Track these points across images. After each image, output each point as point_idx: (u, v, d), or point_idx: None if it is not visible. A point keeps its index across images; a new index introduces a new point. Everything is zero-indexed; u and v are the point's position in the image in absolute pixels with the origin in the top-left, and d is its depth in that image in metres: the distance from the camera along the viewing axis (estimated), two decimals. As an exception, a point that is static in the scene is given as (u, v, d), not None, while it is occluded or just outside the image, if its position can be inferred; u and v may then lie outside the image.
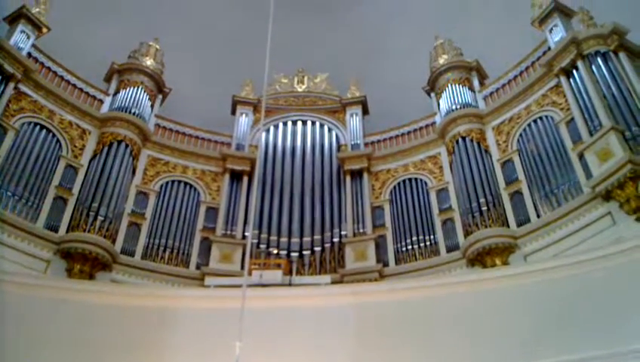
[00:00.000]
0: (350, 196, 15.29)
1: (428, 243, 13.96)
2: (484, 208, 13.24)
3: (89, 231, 12.78)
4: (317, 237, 14.69)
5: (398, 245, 14.24)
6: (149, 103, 16.01)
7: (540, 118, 13.83)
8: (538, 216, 12.67)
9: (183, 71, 18.00)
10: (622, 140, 11.46)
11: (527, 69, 14.83)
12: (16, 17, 14.09)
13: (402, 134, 16.46)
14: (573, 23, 14.22)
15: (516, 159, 13.87)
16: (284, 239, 14.65)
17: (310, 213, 15.22)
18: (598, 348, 7.64)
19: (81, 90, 15.15)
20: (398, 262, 14.01)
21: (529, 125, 14.00)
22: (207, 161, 15.94)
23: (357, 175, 15.73)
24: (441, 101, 16.01)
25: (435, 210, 14.40)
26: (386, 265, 13.96)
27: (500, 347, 8.21)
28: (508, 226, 13.01)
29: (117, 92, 15.67)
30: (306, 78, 18.60)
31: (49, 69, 14.63)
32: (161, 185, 15.07)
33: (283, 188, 15.86)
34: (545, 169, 13.02)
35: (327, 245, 14.56)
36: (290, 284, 11.49)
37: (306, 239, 14.64)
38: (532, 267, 9.92)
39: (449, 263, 13.38)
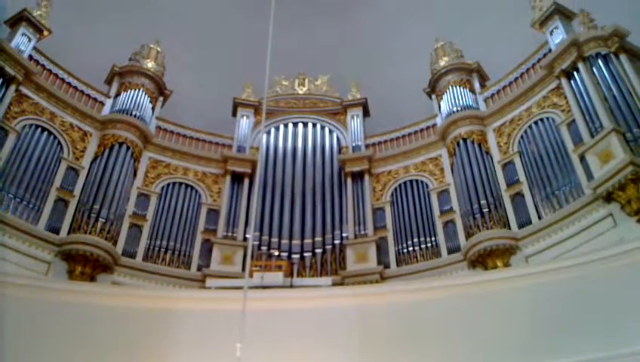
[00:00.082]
0: (351, 198, 15.30)
1: (429, 244, 13.96)
2: (485, 210, 13.24)
3: (90, 233, 12.80)
4: (318, 239, 14.70)
5: (399, 247, 14.24)
6: (150, 105, 16.03)
7: (541, 119, 13.83)
8: (539, 218, 12.67)
9: (184, 73, 18.04)
10: (623, 142, 11.46)
11: (527, 70, 14.84)
12: (17, 20, 14.12)
13: (403, 136, 16.47)
14: (573, 25, 14.23)
15: (517, 161, 13.87)
16: (285, 241, 14.66)
17: (311, 215, 15.23)
18: (600, 350, 7.62)
19: (82, 92, 15.18)
20: (399, 263, 14.01)
21: (530, 127, 14.00)
22: (208, 162, 15.96)
23: (358, 177, 15.74)
24: (441, 103, 16.02)
25: (436, 212, 14.40)
26: (387, 266, 13.96)
27: (502, 349, 8.19)
28: (509, 228, 13.01)
29: (118, 94, 15.70)
30: (306, 80, 18.62)
31: (50, 71, 14.67)
32: (162, 187, 15.09)
33: (284, 190, 15.86)
34: (546, 170, 13.02)
35: (328, 247, 14.56)
36: (291, 286, 11.49)
37: (307, 241, 14.65)
38: (533, 269, 9.92)
39: (450, 265, 13.37)
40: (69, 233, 12.85)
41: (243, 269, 13.44)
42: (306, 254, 14.42)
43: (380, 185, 15.66)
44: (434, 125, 16.09)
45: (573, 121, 12.90)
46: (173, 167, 15.57)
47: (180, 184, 15.37)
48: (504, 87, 15.25)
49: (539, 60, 14.50)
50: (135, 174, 14.77)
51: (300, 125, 17.53)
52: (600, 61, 12.97)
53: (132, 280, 13.20)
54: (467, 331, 8.59)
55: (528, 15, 14.97)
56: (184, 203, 15.02)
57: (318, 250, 14.51)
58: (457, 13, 18.63)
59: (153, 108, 16.18)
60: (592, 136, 12.10)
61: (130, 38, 16.92)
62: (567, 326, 8.11)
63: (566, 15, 14.31)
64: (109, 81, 16.17)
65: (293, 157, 16.69)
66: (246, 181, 15.65)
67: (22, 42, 13.86)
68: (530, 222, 12.78)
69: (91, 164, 14.22)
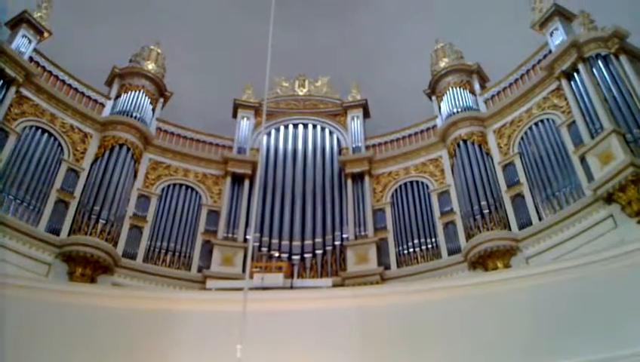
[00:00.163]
0: (351, 199, 15.31)
1: (429, 246, 13.96)
2: (486, 211, 13.24)
3: (91, 235, 12.80)
4: (318, 240, 14.70)
5: (400, 248, 14.24)
6: (151, 107, 16.05)
7: (541, 120, 13.84)
8: (540, 219, 12.66)
9: (184, 74, 18.05)
10: (623, 143, 11.47)
11: (527, 72, 14.84)
12: (18, 22, 14.14)
13: (403, 137, 16.47)
14: (573, 26, 14.24)
15: (517, 162, 13.87)
16: (285, 242, 14.66)
17: (311, 216, 15.23)
18: (600, 352, 7.62)
19: (82, 93, 15.19)
20: (399, 265, 14.00)
21: (530, 128, 14.01)
22: (209, 164, 15.97)
23: (358, 178, 15.74)
24: (442, 104, 16.03)
25: (437, 213, 14.40)
26: (387, 268, 13.96)
27: (502, 350, 8.19)
28: (509, 229, 13.01)
29: (118, 96, 15.72)
30: (307, 82, 18.64)
31: (50, 73, 14.68)
32: (163, 189, 15.09)
33: (284, 191, 15.87)
34: (546, 172, 13.02)
35: (329, 248, 14.56)
36: (291, 287, 11.48)
37: (308, 242, 14.65)
38: (533, 270, 9.91)
39: (450, 266, 13.37)
40: (69, 234, 12.85)
41: (243, 270, 13.45)
42: (306, 255, 14.43)
43: (381, 186, 15.66)
44: (434, 126, 16.10)
45: (574, 122, 12.90)
46: (174, 168, 15.58)
47: (181, 185, 15.38)
48: (504, 89, 15.26)
49: (539, 61, 14.51)
50: (135, 175, 14.77)
51: (301, 126, 17.54)
52: (600, 62, 12.97)
53: (132, 281, 13.20)
54: (468, 332, 8.58)
55: (528, 16, 14.99)
56: (184, 204, 15.02)
57: (319, 251, 14.51)
58: (457, 14, 18.66)
59: (153, 110, 16.19)
60: (593, 138, 12.10)
61: (130, 40, 16.93)
62: (567, 328, 8.11)
63: (566, 16, 14.32)
64: (109, 83, 16.18)
65: (294, 158, 16.70)
66: (246, 182, 15.65)
67: (22, 44, 13.88)
68: (531, 224, 12.77)
69: (92, 165, 14.23)
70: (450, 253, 13.62)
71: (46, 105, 14.05)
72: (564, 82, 13.46)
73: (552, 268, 9.27)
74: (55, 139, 13.92)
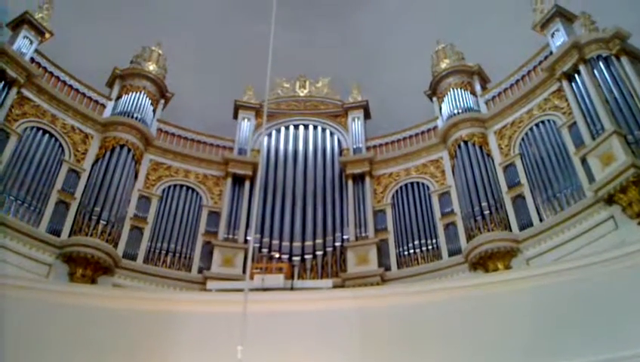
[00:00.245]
0: (352, 200, 15.30)
1: (430, 247, 13.95)
2: (487, 212, 13.23)
3: (91, 236, 12.80)
4: (319, 241, 14.70)
5: (400, 249, 14.23)
6: (152, 108, 16.05)
7: (542, 122, 13.83)
8: (540, 220, 12.65)
9: (185, 75, 18.06)
10: (624, 144, 11.45)
11: (528, 73, 14.84)
12: (19, 23, 14.15)
13: (404, 138, 16.47)
14: (574, 27, 14.23)
15: (518, 163, 13.86)
16: (286, 243, 14.66)
17: (312, 217, 15.23)
18: (601, 353, 7.61)
19: (83, 94, 15.20)
20: (400, 266, 13.99)
21: (531, 129, 14.00)
22: (210, 165, 15.97)
23: (359, 179, 15.74)
24: (442, 105, 16.02)
25: (437, 214, 14.40)
26: (388, 269, 13.95)
27: (503, 351, 8.18)
28: (510, 230, 12.99)
29: (119, 97, 15.72)
30: (307, 83, 18.65)
31: (52, 73, 14.69)
32: (164, 190, 15.10)
33: (285, 192, 15.87)
34: (547, 173, 13.01)
35: (329, 249, 14.56)
36: (291, 288, 11.47)
37: (308, 243, 14.65)
38: (534, 271, 9.91)
39: (451, 267, 13.35)
40: (70, 235, 12.85)
41: (244, 271, 13.44)
42: (306, 256, 14.43)
43: (381, 187, 15.66)
44: (435, 127, 16.09)
45: (575, 123, 12.89)
46: (174, 169, 15.58)
47: (181, 186, 15.38)
48: (505, 90, 15.25)
49: (540, 63, 14.51)
50: (136, 176, 14.78)
51: (301, 127, 17.55)
52: (601, 63, 12.96)
53: (133, 282, 13.20)
54: (468, 333, 8.58)
55: (529, 17, 14.98)
56: (185, 205, 15.02)
57: (319, 253, 14.51)
58: (458, 15, 18.67)
59: (154, 111, 16.20)
60: (594, 139, 12.09)
61: (131, 41, 16.95)
62: (568, 329, 8.10)
63: (567, 17, 14.31)
64: (110, 84, 16.20)
65: (294, 159, 16.71)
66: (247, 183, 15.65)
67: (23, 45, 13.89)
68: (532, 225, 12.76)
69: (92, 166, 14.24)
70: (451, 254, 13.60)
71: (47, 106, 14.06)
72: (565, 83, 13.46)
73: (553, 269, 9.27)
74: (56, 139, 13.93)
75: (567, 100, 13.34)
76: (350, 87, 18.01)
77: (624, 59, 12.85)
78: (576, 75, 13.25)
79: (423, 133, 16.34)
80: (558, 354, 7.87)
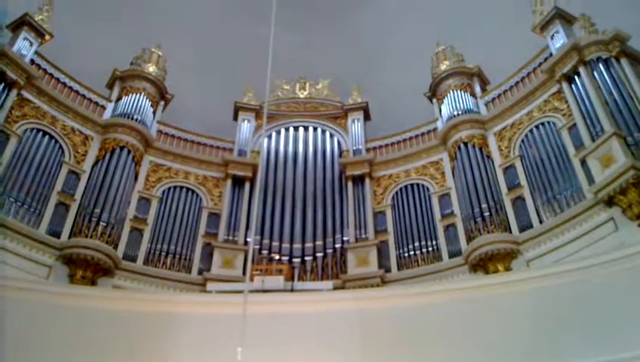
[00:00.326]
0: (352, 202, 15.30)
1: (430, 248, 13.95)
2: (487, 214, 13.23)
3: (91, 237, 12.80)
4: (319, 242, 14.70)
5: (400, 251, 14.23)
6: (151, 109, 16.06)
7: (542, 123, 13.84)
8: (540, 222, 12.65)
9: (185, 77, 18.07)
10: (624, 146, 11.46)
11: (528, 74, 14.85)
12: (19, 24, 14.16)
13: (404, 140, 16.48)
14: (574, 29, 14.24)
15: (518, 165, 13.87)
16: (285, 245, 14.66)
17: (312, 219, 15.23)
18: (601, 354, 7.60)
19: (83, 96, 15.21)
20: (400, 267, 14.00)
21: (531, 131, 14.01)
22: (209, 166, 15.98)
23: (359, 180, 15.74)
24: (442, 107, 16.03)
25: (437, 216, 14.40)
26: (388, 270, 13.95)
27: (503, 353, 8.17)
28: (510, 232, 12.99)
29: (119, 98, 15.73)
30: (307, 84, 18.67)
31: (52, 75, 14.70)
32: (163, 191, 15.10)
33: (285, 194, 15.88)
34: (547, 174, 13.01)
35: (329, 251, 14.56)
36: (292, 290, 11.45)
37: (308, 245, 14.65)
38: (534, 273, 9.89)
39: (451, 269, 13.36)
40: (69, 237, 12.85)
41: (244, 273, 13.44)
42: (306, 258, 14.43)
43: (381, 188, 15.66)
44: (435, 129, 16.10)
45: (574, 125, 12.90)
46: (174, 170, 15.58)
47: (181, 188, 15.38)
48: (505, 91, 15.26)
49: (540, 64, 14.52)
50: (136, 178, 14.78)
51: (301, 129, 17.55)
52: (601, 65, 12.97)
53: (133, 284, 13.20)
54: (468, 335, 8.57)
55: (529, 19, 14.99)
56: (185, 207, 15.03)
57: (319, 254, 14.51)
58: (458, 17, 18.68)
59: (154, 112, 16.20)
60: (593, 140, 12.09)
61: (131, 42, 16.96)
62: (568, 330, 8.10)
63: (567, 19, 14.32)
64: (110, 85, 16.21)
65: (294, 160, 16.71)
66: (247, 185, 15.65)
67: (23, 46, 13.90)
68: (532, 226, 12.76)
69: (92, 167, 14.24)
70: (451, 255, 13.61)
71: (47, 108, 14.07)
72: (564, 85, 13.47)
73: (553, 270, 9.27)
74: (56, 141, 13.93)
75: (567, 102, 13.35)
76: (350, 89, 18.03)
77: (624, 61, 12.86)
78: (576, 77, 13.26)
79: (422, 134, 16.35)
80: (558, 356, 7.87)
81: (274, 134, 17.36)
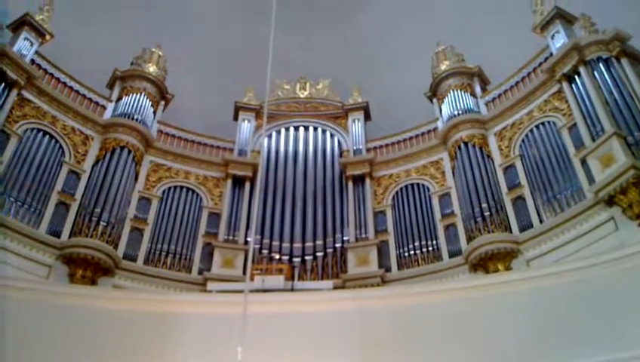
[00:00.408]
0: (352, 201, 15.31)
1: (430, 248, 13.95)
2: (487, 213, 13.23)
3: (91, 237, 12.81)
4: (319, 242, 14.70)
5: (401, 250, 14.23)
6: (152, 109, 16.06)
7: (542, 123, 13.84)
8: (541, 222, 12.65)
9: (185, 77, 18.08)
10: (624, 145, 11.46)
11: (529, 74, 14.85)
12: (19, 24, 14.16)
13: (404, 140, 16.48)
14: (575, 29, 14.24)
15: (518, 164, 13.87)
16: (286, 244, 14.66)
17: (312, 219, 15.23)
18: (601, 354, 7.59)
19: (83, 96, 15.21)
20: (400, 267, 14.00)
21: (531, 131, 14.01)
22: (210, 166, 15.98)
23: (359, 180, 15.74)
24: (443, 107, 16.03)
25: (438, 216, 14.40)
26: (388, 270, 13.95)
27: (503, 352, 8.18)
28: (510, 231, 12.99)
29: (120, 98, 15.73)
30: (307, 84, 18.66)
31: (52, 75, 14.70)
32: (164, 191, 15.11)
33: (285, 194, 15.88)
34: (547, 174, 13.01)
35: (330, 250, 14.56)
36: (292, 289, 11.46)
37: (308, 244, 14.65)
38: (534, 272, 9.89)
39: (451, 268, 13.36)
40: (70, 236, 12.86)
41: (244, 273, 13.46)
42: (307, 257, 14.43)
43: (381, 188, 15.66)
44: (435, 129, 16.10)
45: (575, 124, 12.90)
46: (175, 170, 15.59)
47: (181, 188, 15.39)
48: (505, 91, 15.26)
49: (540, 64, 14.52)
50: (136, 178, 14.79)
51: (302, 129, 17.56)
52: (601, 65, 12.97)
53: (133, 283, 13.20)
54: (468, 335, 8.57)
55: (529, 19, 14.98)
56: (185, 206, 15.03)
57: (319, 254, 14.51)
58: (458, 17, 18.66)
59: (155, 112, 16.21)
60: (594, 140, 12.09)
61: (131, 42, 16.96)
62: (568, 330, 8.10)
63: (567, 19, 14.32)
64: (110, 85, 16.21)
65: (295, 160, 16.71)
66: (247, 184, 15.66)
67: (24, 46, 13.90)
68: (532, 226, 12.76)
69: (93, 167, 14.25)
70: (451, 255, 13.61)
71: (47, 108, 14.07)
72: (565, 85, 13.46)
73: (553, 270, 9.26)
74: (56, 141, 13.94)
75: (567, 102, 13.34)
76: (350, 89, 18.02)
77: (624, 61, 12.86)
78: (576, 77, 13.26)
79: (423, 134, 16.35)
80: (558, 355, 7.87)
81: (274, 134, 17.36)
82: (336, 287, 12.65)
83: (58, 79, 14.80)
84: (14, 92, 13.26)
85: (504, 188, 13.78)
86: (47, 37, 14.62)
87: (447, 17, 18.79)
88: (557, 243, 12.08)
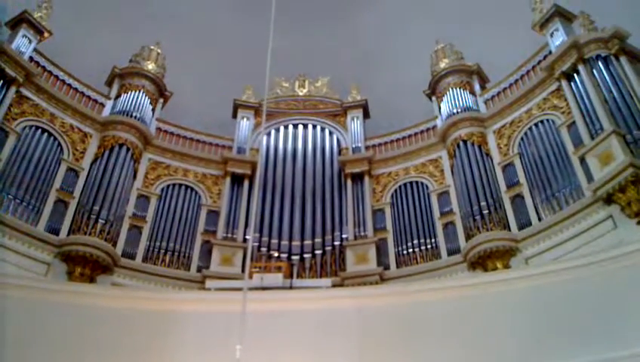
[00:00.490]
0: (351, 199, 15.30)
1: (429, 246, 13.96)
2: (485, 211, 13.24)
3: (90, 234, 12.80)
4: (318, 240, 14.70)
5: (399, 248, 14.24)
6: (151, 107, 16.05)
7: (541, 121, 13.84)
8: (539, 220, 12.66)
9: (184, 74, 18.05)
10: (623, 144, 11.47)
11: (528, 72, 14.85)
12: (18, 22, 14.15)
13: (403, 138, 16.48)
14: (574, 26, 14.24)
15: (517, 162, 13.87)
16: (285, 242, 14.65)
17: (311, 216, 15.22)
18: (600, 352, 7.61)
19: (82, 93, 15.20)
20: (399, 265, 14.00)
21: (530, 129, 14.02)
22: (208, 164, 15.97)
23: (358, 178, 15.74)
24: (442, 104, 16.03)
25: (436, 214, 14.40)
26: (387, 268, 13.95)
27: (501, 350, 8.19)
28: (509, 229, 13.00)
29: (118, 96, 15.71)
30: (306, 82, 18.64)
31: (50, 72, 14.69)
32: (162, 189, 15.10)
33: (284, 192, 15.87)
34: (546, 172, 13.02)
35: (328, 248, 14.56)
36: (290, 287, 11.45)
37: (307, 242, 14.65)
38: (533, 270, 9.91)
39: (450, 266, 13.36)
40: (68, 234, 12.85)
41: (243, 270, 13.39)
42: (305, 255, 14.42)
43: (380, 186, 15.66)
44: (434, 127, 16.10)
45: (574, 122, 12.91)
46: (173, 168, 15.58)
47: (180, 185, 15.38)
48: (504, 89, 15.26)
49: (539, 62, 14.51)
50: (135, 175, 14.77)
51: (300, 127, 17.54)
52: (600, 63, 12.98)
53: (132, 281, 13.19)
54: (467, 333, 8.58)
55: (528, 17, 14.99)
56: (184, 204, 15.02)
57: (318, 252, 14.51)
58: (457, 15, 18.65)
59: (153, 110, 16.19)
60: (593, 138, 12.10)
61: (130, 40, 16.94)
62: (566, 328, 8.11)
63: (566, 17, 14.31)
64: (109, 83, 16.18)
65: (293, 158, 16.69)
66: (246, 182, 15.65)
67: (22, 44, 13.89)
68: (530, 224, 12.77)
69: (91, 165, 14.23)
70: (450, 253, 13.61)
71: (46, 105, 14.05)
72: (564, 83, 13.47)
73: (552, 268, 9.27)
74: (55, 138, 13.92)
75: (566, 100, 13.35)
76: (349, 87, 18.00)
77: (623, 59, 12.87)
78: (575, 75, 13.26)
79: (422, 132, 16.35)
80: (557, 354, 7.87)
81: (273, 132, 17.33)
82: (334, 285, 12.68)
83: (57, 76, 14.78)
84: (13, 89, 13.25)
85: (503, 187, 13.79)
86: (46, 34, 14.60)
87: (446, 15, 18.78)
88: (555, 242, 12.10)
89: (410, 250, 14.07)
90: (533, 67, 14.73)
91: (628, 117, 11.91)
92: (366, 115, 17.46)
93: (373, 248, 14.14)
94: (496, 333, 8.42)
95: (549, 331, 8.15)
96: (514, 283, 9.10)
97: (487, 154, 14.50)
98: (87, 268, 12.51)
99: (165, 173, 15.41)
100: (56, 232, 12.75)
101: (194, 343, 8.63)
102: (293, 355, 8.50)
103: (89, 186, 13.69)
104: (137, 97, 15.65)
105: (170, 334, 8.76)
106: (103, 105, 15.47)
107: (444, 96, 16.02)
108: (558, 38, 13.99)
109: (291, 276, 13.06)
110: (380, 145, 16.61)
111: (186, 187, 15.42)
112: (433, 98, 16.69)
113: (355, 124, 17.11)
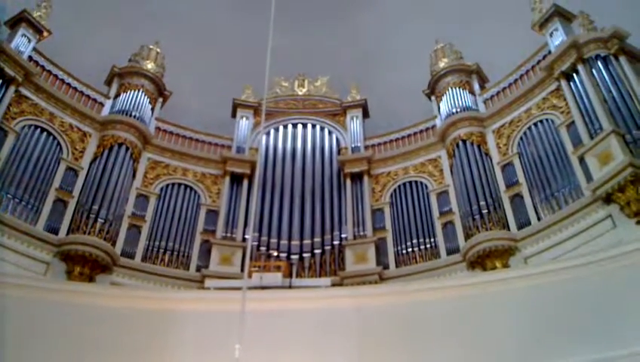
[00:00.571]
0: (350, 199, 15.30)
1: (428, 245, 13.96)
2: (485, 211, 13.25)
3: (89, 234, 12.79)
4: (317, 239, 14.70)
5: (399, 248, 14.24)
6: (150, 106, 16.04)
7: (541, 121, 13.85)
8: (538, 219, 12.67)
9: (183, 74, 18.03)
10: (622, 143, 11.47)
11: (527, 72, 14.85)
12: (17, 21, 14.13)
13: (403, 137, 16.48)
14: (573, 26, 14.25)
15: (516, 162, 13.88)
16: (284, 241, 14.65)
17: (310, 216, 15.23)
18: (598, 352, 7.62)
19: (81, 93, 15.19)
20: (398, 264, 14.01)
21: (529, 128, 14.02)
22: (208, 163, 15.97)
23: (357, 178, 15.74)
24: (441, 104, 16.04)
25: (436, 213, 14.41)
26: (386, 267, 13.96)
27: (500, 350, 8.19)
28: (508, 229, 13.01)
29: (118, 95, 15.71)
30: (306, 82, 18.64)
31: (50, 72, 14.68)
32: (162, 188, 15.09)
33: (283, 191, 15.87)
34: (545, 172, 13.02)
35: (328, 247, 14.56)
36: (290, 287, 11.46)
37: (306, 241, 14.65)
38: (532, 270, 9.92)
39: (449, 266, 13.37)
40: (67, 233, 12.84)
41: (242, 270, 13.43)
42: (305, 255, 14.42)
43: (380, 186, 15.66)
44: (433, 126, 16.11)
45: (573, 122, 12.91)
46: (173, 167, 15.58)
47: (179, 185, 15.38)
48: (504, 89, 15.27)
49: (538, 62, 14.52)
50: (134, 175, 14.77)
51: (300, 126, 17.54)
52: (599, 63, 12.98)
53: (131, 280, 13.19)
54: (466, 332, 8.58)
55: (528, 17, 14.99)
56: (183, 204, 15.02)
57: (317, 251, 14.51)
58: (457, 14, 18.65)
59: (153, 109, 16.18)
60: (592, 138, 12.11)
61: (129, 39, 16.93)
62: (565, 328, 8.11)
63: (566, 17, 14.32)
64: (108, 82, 16.17)
65: (293, 158, 16.69)
66: (245, 182, 15.65)
67: (22, 43, 13.88)
68: (529, 224, 12.78)
69: (90, 164, 14.22)
70: (449, 252, 13.62)
71: (45, 105, 14.04)
72: (563, 83, 13.47)
73: (551, 268, 9.27)
74: (54, 138, 13.91)
75: (565, 100, 13.36)
76: (349, 86, 18.00)
77: (622, 59, 12.88)
78: (574, 75, 13.27)
79: (421, 132, 16.36)
80: (556, 353, 7.88)
81: (272, 131, 17.33)
82: (334, 285, 12.69)
83: (56, 76, 14.77)
84: (12, 89, 13.24)
85: (502, 186, 13.80)
86: (45, 34, 14.59)
87: (446, 15, 18.78)
88: (554, 241, 12.11)
89: (410, 250, 14.08)
90: (533, 67, 14.73)
91: (627, 117, 11.92)
92: (365, 114, 17.46)
93: (373, 247, 14.15)
94: (495, 333, 8.43)
95: (548, 330, 8.16)
96: (513, 283, 9.10)
97: (487, 154, 14.51)
98: (86, 267, 12.51)
99: (164, 172, 15.40)
100: (55, 231, 12.75)
101: (193, 342, 8.63)
102: (293, 354, 8.50)
103: (88, 185, 13.69)
104: (137, 97, 15.65)
105: (170, 333, 8.75)
106: (102, 104, 15.47)
107: (443, 95, 16.03)
108: (557, 38, 13.99)
109: (290, 275, 13.07)
110: (379, 144, 16.61)
111: (186, 186, 15.42)
112: (432, 98, 16.69)
113: (354, 123, 17.12)
